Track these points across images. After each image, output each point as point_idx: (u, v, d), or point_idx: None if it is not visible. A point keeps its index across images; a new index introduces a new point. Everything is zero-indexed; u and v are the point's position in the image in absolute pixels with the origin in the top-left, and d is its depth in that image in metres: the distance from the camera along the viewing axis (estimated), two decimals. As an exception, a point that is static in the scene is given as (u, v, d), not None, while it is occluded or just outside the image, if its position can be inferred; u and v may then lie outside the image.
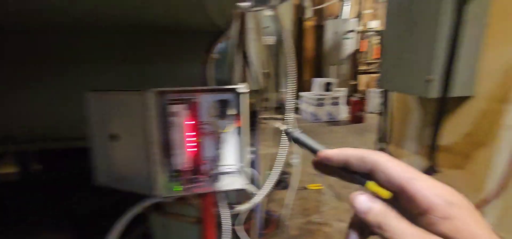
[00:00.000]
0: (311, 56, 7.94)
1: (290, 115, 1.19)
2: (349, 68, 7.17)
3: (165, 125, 0.92)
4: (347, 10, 7.00)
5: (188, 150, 0.94)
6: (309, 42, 7.84)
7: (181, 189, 0.91)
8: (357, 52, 7.39)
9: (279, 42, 6.42)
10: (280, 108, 6.55)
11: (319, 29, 7.58)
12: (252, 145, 1.39)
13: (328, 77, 6.98)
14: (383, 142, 2.69)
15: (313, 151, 0.40)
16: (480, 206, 1.86)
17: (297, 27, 7.70)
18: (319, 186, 2.69)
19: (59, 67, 1.09)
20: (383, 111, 2.60)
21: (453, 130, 2.14)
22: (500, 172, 1.75)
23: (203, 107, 0.95)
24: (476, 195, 1.96)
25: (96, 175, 0.95)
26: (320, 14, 7.56)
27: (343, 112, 5.94)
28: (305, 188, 2.64)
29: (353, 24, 6.87)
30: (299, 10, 7.46)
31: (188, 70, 1.15)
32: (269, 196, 2.52)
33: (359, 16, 7.29)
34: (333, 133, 4.93)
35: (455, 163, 2.14)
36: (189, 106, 0.93)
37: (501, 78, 1.75)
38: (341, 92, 6.14)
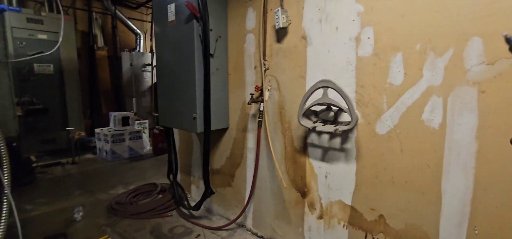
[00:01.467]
0: (108, 88, 7.27)
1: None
2: (151, 100, 7.20)
3: None
4: (142, 43, 7.07)
5: None
6: (105, 73, 7.15)
7: None
8: (155, 85, 7.58)
9: (61, 71, 5.34)
10: (69, 150, 5.33)
11: (115, 60, 7.12)
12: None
13: (129, 109, 6.63)
14: (171, 172, 2.85)
15: None
16: (242, 212, 2.37)
17: (87, 56, 6.83)
18: (107, 238, 2.42)
19: None
20: (168, 145, 2.77)
21: (220, 156, 2.62)
22: (249, 182, 2.32)
23: None
24: (240, 205, 2.49)
25: None
26: (114, 45, 7.13)
27: (147, 145, 5.82)
28: (92, 245, 2.29)
29: (150, 58, 7.01)
30: (89, 37, 6.67)
31: None
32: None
33: (152, 51, 7.54)
34: (134, 170, 4.66)
35: (225, 182, 2.62)
36: None
37: (240, 112, 2.36)
38: (143, 125, 6.01)
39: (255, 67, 2.16)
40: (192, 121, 2.18)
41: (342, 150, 1.73)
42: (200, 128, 2.21)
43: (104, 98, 7.23)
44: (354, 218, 1.73)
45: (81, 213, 2.80)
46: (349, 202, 1.74)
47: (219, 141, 2.59)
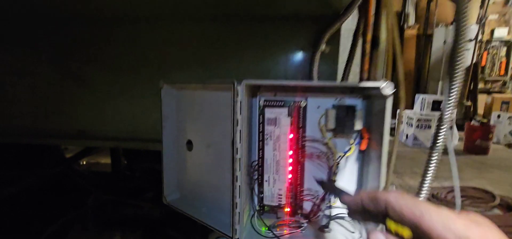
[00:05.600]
0: (411, 69, 6.83)
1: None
2: (465, 86, 5.81)
3: (256, 137, 0.63)
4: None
5: (285, 176, 0.63)
6: (409, 54, 6.76)
7: (266, 230, 0.60)
8: (475, 66, 5.96)
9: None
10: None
11: (423, 39, 6.46)
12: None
13: (431, 94, 5.82)
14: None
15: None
16: None
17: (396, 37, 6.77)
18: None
19: (142, 63, 0.95)
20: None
21: None
22: None
23: (311, 115, 0.63)
24: None
25: (165, 192, 0.74)
26: (425, 21, 6.44)
27: (455, 139, 4.76)
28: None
29: (472, 32, 5.56)
30: (401, 17, 6.54)
31: (286, 66, 0.86)
32: None
33: (481, 22, 5.89)
34: (442, 164, 3.92)
35: None
36: (291, 112, 0.62)
37: None
38: (453, 115, 4.98)
39: None
40: None
41: None
42: None
43: (404, 80, 6.92)
44: None
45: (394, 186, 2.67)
46: None
47: None
